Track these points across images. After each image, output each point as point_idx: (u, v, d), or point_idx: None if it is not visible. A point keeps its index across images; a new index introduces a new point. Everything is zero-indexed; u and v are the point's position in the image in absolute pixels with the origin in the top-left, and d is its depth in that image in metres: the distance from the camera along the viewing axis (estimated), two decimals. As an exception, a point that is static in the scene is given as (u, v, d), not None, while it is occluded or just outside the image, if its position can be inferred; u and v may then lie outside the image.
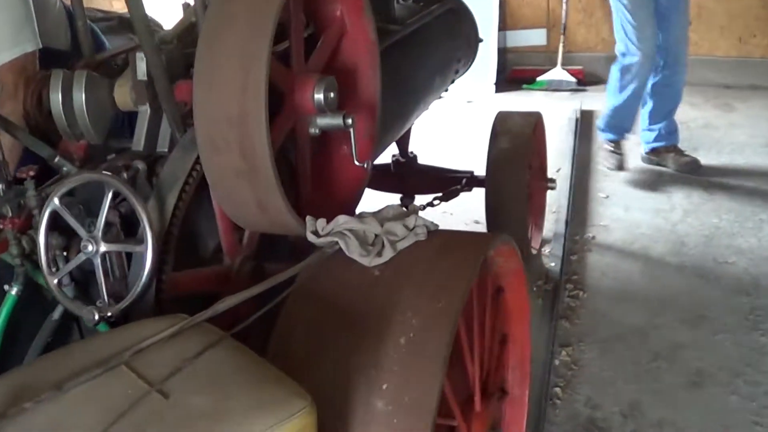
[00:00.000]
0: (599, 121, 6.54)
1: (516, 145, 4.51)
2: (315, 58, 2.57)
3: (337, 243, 2.31)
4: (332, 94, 2.42)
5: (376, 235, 2.35)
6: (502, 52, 8.67)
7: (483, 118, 7.40)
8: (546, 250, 5.00)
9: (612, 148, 6.43)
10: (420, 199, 4.97)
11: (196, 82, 2.20)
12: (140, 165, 2.47)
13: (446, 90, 4.92)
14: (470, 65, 5.21)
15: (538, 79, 8.46)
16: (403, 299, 2.15)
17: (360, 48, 2.76)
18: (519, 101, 8.05)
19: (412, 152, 5.07)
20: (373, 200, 5.18)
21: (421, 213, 4.48)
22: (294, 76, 2.42)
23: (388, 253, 2.28)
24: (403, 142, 4.97)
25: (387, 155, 4.85)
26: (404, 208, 2.52)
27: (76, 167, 2.49)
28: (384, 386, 2.03)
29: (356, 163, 2.58)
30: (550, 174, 5.74)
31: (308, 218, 2.38)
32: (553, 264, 4.80)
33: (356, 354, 2.09)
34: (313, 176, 2.72)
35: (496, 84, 8.42)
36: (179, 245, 2.40)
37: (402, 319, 2.11)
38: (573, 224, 5.33)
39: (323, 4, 2.69)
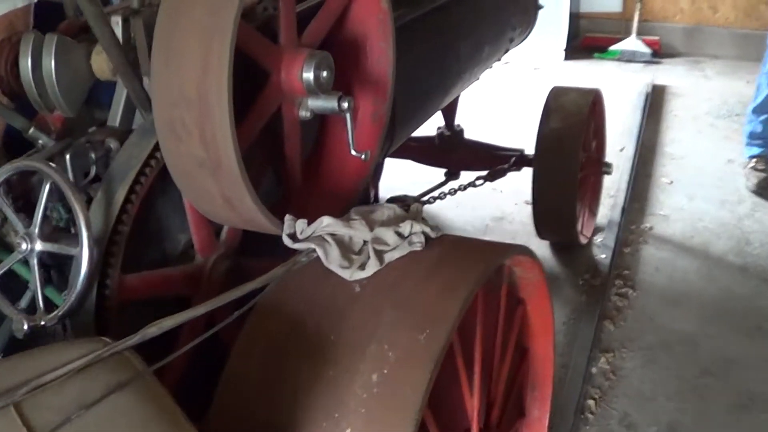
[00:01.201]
0: (745, 131, 5.60)
1: (569, 124, 4.13)
2: (311, 30, 2.22)
3: (314, 250, 1.97)
4: (325, 73, 2.08)
5: (365, 242, 2.01)
6: (575, 17, 8.19)
7: (549, 87, 7.05)
8: (598, 239, 4.61)
9: (755, 165, 5.39)
10: (465, 176, 4.62)
11: (153, 56, 1.88)
12: (113, 143, 2.16)
13: (498, 60, 4.52)
14: (528, 33, 4.81)
15: (611, 48, 7.99)
16: (382, 326, 1.82)
17: (370, 18, 2.41)
18: (588, 71, 7.61)
19: (458, 125, 4.70)
20: (416, 173, 5.03)
21: (462, 192, 4.26)
22: (280, 51, 2.08)
23: (372, 266, 1.94)
24: (449, 114, 4.61)
25: (432, 126, 4.49)
26: (405, 209, 2.18)
27: (53, 140, 2.20)
28: (347, 431, 1.71)
29: (353, 152, 2.22)
30: (612, 154, 5.37)
31: (287, 218, 2.06)
32: (603, 256, 4.41)
33: (319, 386, 1.77)
34: (307, 165, 2.38)
35: (566, 51, 7.98)
36: (138, 242, 2.10)
37: (377, 351, 1.78)
38: (630, 212, 4.93)
39: (329, -34, 2.33)
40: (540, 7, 4.85)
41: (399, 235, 2.01)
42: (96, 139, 2.19)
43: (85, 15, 2.03)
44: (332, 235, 2.01)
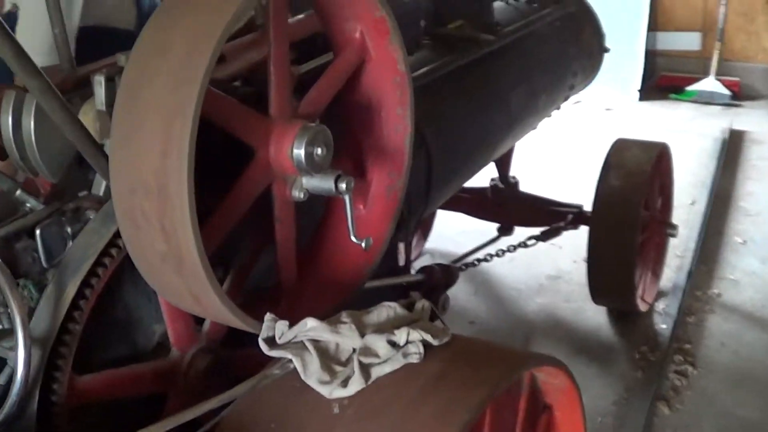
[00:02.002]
0: None
1: (629, 183, 3.81)
2: (311, 98, 1.95)
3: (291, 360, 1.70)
4: (320, 150, 1.81)
5: (354, 350, 1.73)
6: (651, 55, 7.82)
7: (622, 129, 6.70)
8: (660, 305, 4.26)
9: None
10: (520, 232, 4.32)
11: (112, 132, 1.64)
12: (92, 215, 1.92)
13: (558, 108, 4.22)
14: (592, 79, 4.51)
15: (688, 88, 7.61)
16: (359, 461, 1.53)
17: (386, 81, 2.13)
18: (663, 113, 7.24)
19: (513, 177, 4.41)
20: (469, 226, 4.76)
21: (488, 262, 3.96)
22: (269, 124, 1.81)
23: (356, 383, 1.65)
24: (503, 166, 4.33)
25: (485, 177, 4.22)
26: (410, 307, 1.90)
27: (41, 203, 2.00)
28: None
29: (353, 239, 1.94)
30: (681, 207, 5.01)
31: (267, 318, 1.79)
32: (664, 326, 4.06)
33: None
34: (308, 250, 2.12)
35: (640, 91, 7.60)
36: (100, 337, 1.86)
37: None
38: (697, 275, 4.56)
39: (337, 21, 2.06)
40: (606, 50, 4.54)
41: (392, 344, 1.72)
42: (84, 206, 1.96)
43: (30, 90, 1.78)
44: (315, 341, 1.73)
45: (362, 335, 1.74)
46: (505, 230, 4.47)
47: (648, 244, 4.10)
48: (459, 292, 4.44)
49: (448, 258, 4.60)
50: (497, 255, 4.11)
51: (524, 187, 4.49)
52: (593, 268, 3.88)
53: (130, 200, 1.62)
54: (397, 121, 2.16)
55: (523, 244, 4.14)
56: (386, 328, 1.77)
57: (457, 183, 3.30)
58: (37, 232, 1.92)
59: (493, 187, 4.40)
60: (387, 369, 1.68)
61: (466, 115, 3.21)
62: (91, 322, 1.81)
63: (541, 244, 4.25)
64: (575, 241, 4.46)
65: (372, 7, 1.99)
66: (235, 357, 2.09)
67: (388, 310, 1.84)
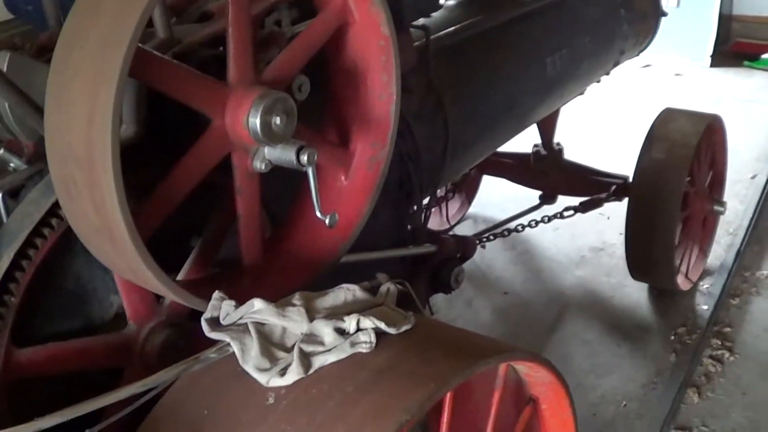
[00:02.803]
0: None
1: (672, 156, 3.62)
2: (278, 64, 1.82)
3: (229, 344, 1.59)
4: (279, 119, 1.68)
5: (303, 335, 1.62)
6: (726, 19, 7.46)
7: (690, 96, 6.46)
8: (705, 284, 4.06)
9: None
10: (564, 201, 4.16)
11: (47, 98, 1.53)
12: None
13: (607, 74, 4.03)
14: (647, 44, 4.30)
15: (764, 56, 7.25)
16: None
17: (370, 45, 2.00)
18: (735, 81, 6.93)
19: (558, 143, 4.23)
20: (516, 192, 4.61)
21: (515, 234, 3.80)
22: (226, 92, 1.69)
23: (294, 373, 1.53)
24: (546, 131, 4.15)
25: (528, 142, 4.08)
26: (374, 291, 1.78)
27: (24, 164, 1.90)
28: None
29: (318, 214, 1.82)
30: (741, 182, 4.79)
31: (215, 296, 1.69)
32: (705, 307, 3.86)
33: None
34: (281, 227, 2.01)
35: (712, 56, 7.28)
36: (46, 309, 1.78)
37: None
38: (747, 255, 4.33)
39: (317, -19, 1.93)
40: (664, 14, 4.31)
41: (341, 332, 1.60)
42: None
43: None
44: (261, 324, 1.62)
45: (312, 320, 1.62)
46: (547, 198, 4.32)
47: (693, 220, 3.90)
48: (497, 261, 4.32)
49: (492, 223, 4.48)
50: (529, 226, 3.97)
51: (585, 153, 4.34)
52: (631, 244, 3.71)
53: (62, 170, 1.53)
54: (381, 89, 2.03)
55: (560, 215, 3.98)
56: (341, 312, 1.66)
57: (480, 151, 3.14)
58: (0, 195, 1.85)
59: (536, 154, 4.24)
60: (331, 358, 1.56)
61: (494, 79, 3.06)
62: (33, 293, 1.73)
63: (589, 212, 4.09)
64: (624, 211, 4.28)
65: (351, -33, 1.86)
66: (198, 331, 1.99)
67: (346, 293, 1.73)
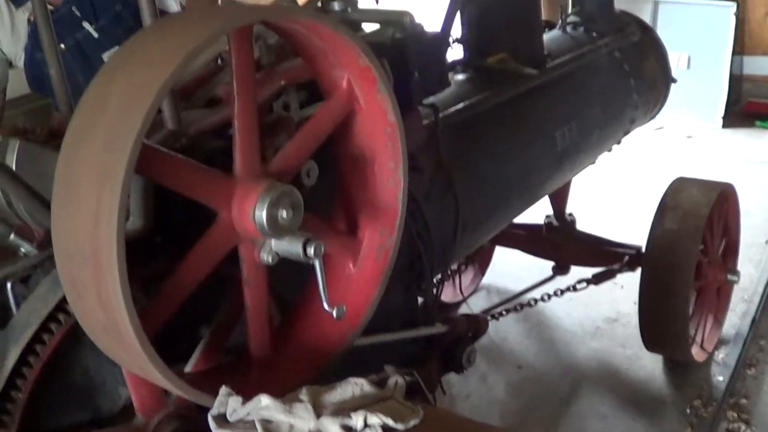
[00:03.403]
0: None
1: (685, 227, 3.59)
2: (286, 154, 1.82)
3: (234, 444, 1.57)
4: (286, 212, 1.68)
5: (309, 433, 1.59)
6: (736, 79, 7.47)
7: (703, 159, 6.45)
8: (720, 354, 4.01)
9: None
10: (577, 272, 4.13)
11: (54, 193, 1.53)
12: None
13: (618, 143, 4.02)
14: (657, 112, 4.31)
15: (775, 116, 7.22)
16: None
17: (377, 131, 2.00)
18: (747, 142, 6.91)
19: (570, 214, 4.22)
20: (529, 261, 4.60)
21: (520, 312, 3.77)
22: (232, 184, 1.69)
23: (299, 477, 1.51)
24: (558, 202, 4.14)
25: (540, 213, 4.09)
26: (381, 384, 1.75)
27: (35, 248, 1.90)
28: None
29: (325, 306, 1.80)
30: (754, 247, 4.77)
31: (222, 392, 1.67)
32: (720, 378, 3.81)
33: None
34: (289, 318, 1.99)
35: (724, 117, 7.27)
36: (52, 403, 1.77)
37: None
38: (762, 323, 4.28)
39: (324, 68, 1.92)
40: (673, 80, 4.32)
41: (347, 429, 1.57)
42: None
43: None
44: (267, 422, 1.59)
45: (319, 416, 1.60)
46: (560, 269, 4.30)
47: (707, 290, 3.87)
48: (510, 333, 4.29)
49: (505, 294, 4.46)
50: (542, 300, 3.95)
51: (598, 220, 4.31)
52: (645, 316, 3.68)
53: (69, 267, 1.52)
54: (389, 175, 2.03)
55: (573, 288, 3.95)
56: (348, 408, 1.63)
57: (492, 227, 3.13)
58: (8, 285, 1.85)
59: (548, 225, 4.23)
60: (335, 460, 1.54)
61: (503, 155, 3.05)
62: (41, 387, 1.72)
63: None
64: (637, 280, 4.25)
65: (355, 56, 1.85)
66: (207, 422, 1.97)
67: (353, 387, 1.71)
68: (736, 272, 3.99)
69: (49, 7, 3.43)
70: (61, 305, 1.70)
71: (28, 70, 3.66)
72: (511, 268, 4.76)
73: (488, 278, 4.79)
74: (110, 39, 3.52)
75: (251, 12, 1.68)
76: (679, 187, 3.78)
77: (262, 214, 1.65)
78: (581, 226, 4.32)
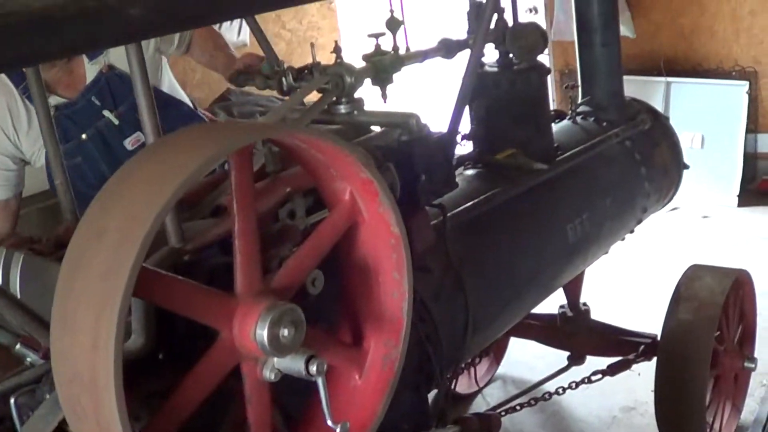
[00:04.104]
0: None
1: (699, 317, 3.57)
2: (288, 270, 1.81)
3: None
4: (287, 331, 1.67)
5: None
6: (751, 158, 7.43)
7: (719, 239, 6.42)
8: (739, 443, 3.94)
9: None
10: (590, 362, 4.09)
11: (53, 317, 1.53)
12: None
13: (631, 232, 4.01)
14: (670, 199, 4.29)
15: (791, 193, 7.19)
16: None
17: (380, 243, 2.00)
18: (763, 221, 6.85)
19: (584, 303, 4.20)
20: (544, 350, 4.56)
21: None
22: (233, 304, 1.69)
23: None
24: (572, 292, 4.11)
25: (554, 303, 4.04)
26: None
27: (41, 358, 1.93)
28: None
29: (329, 423, 1.78)
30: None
31: None
32: (738, 469, 3.74)
33: None
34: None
35: (739, 196, 7.22)
36: None
37: None
38: (781, 408, 4.19)
39: (326, 181, 1.94)
40: (686, 166, 4.31)
41: None
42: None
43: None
44: None
45: None
46: (575, 359, 4.26)
47: (724, 378, 3.83)
48: (526, 425, 4.24)
49: (521, 384, 4.42)
50: (557, 393, 3.91)
51: (614, 307, 4.26)
52: (661, 406, 3.64)
53: (69, 390, 1.52)
54: (393, 286, 2.02)
55: (588, 380, 3.91)
56: None
57: (503, 325, 3.12)
58: (12, 400, 1.85)
59: (562, 315, 4.20)
60: None
61: (513, 252, 3.05)
62: None
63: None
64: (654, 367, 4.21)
65: (356, 169, 1.86)
66: None
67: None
68: (753, 359, 3.95)
69: (65, 100, 3.50)
70: (62, 427, 1.69)
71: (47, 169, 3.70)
72: (526, 357, 4.73)
73: (503, 367, 4.75)
74: (131, 125, 3.54)
75: (249, 132, 1.69)
76: (693, 275, 3.75)
77: (263, 334, 1.64)
78: (596, 313, 4.28)
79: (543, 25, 7.14)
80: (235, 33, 5.88)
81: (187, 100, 3.91)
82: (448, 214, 2.71)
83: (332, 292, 2.00)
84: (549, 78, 3.52)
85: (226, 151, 1.62)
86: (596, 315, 4.28)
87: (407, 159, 2.42)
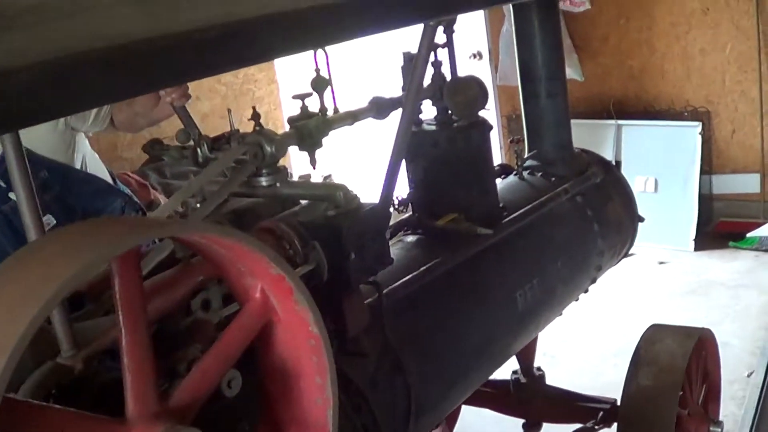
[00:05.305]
0: None
1: (661, 383, 3.35)
2: (188, 385, 1.57)
3: None
4: (188, 460, 1.43)
5: None
6: (707, 199, 7.31)
7: (676, 286, 6.26)
8: (707, 504, 3.72)
9: None
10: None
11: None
12: None
13: (585, 292, 3.80)
14: (625, 253, 4.08)
15: (749, 235, 7.05)
16: None
17: (299, 345, 1.76)
18: (720, 265, 6.72)
19: (538, 368, 3.99)
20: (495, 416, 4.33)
21: None
22: (126, 431, 1.44)
23: None
24: (525, 358, 3.90)
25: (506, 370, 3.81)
26: None
27: None
28: None
29: None
30: (737, 381, 4.56)
31: None
32: None
33: None
34: None
35: (695, 240, 7.08)
36: None
37: None
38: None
39: (234, 276, 1.70)
40: (641, 219, 4.12)
41: None
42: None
43: None
44: None
45: None
46: (531, 426, 4.03)
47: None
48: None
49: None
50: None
51: (569, 369, 4.02)
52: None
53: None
54: (316, 392, 1.78)
55: (545, 451, 3.70)
56: None
57: (450, 406, 2.89)
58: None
59: (515, 382, 3.98)
60: None
61: (458, 326, 2.82)
62: None
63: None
64: (616, 429, 4.01)
65: (265, 265, 1.63)
66: None
67: None
68: (719, 423, 3.73)
69: None
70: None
71: None
72: (480, 422, 4.47)
73: (459, 435, 4.51)
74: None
75: (134, 232, 1.45)
76: (653, 337, 3.55)
77: (161, 466, 1.41)
78: (551, 375, 4.08)
79: (488, 70, 7.11)
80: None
81: (106, 174, 3.68)
82: (384, 291, 2.48)
83: (252, 392, 1.77)
84: (495, 124, 3.31)
85: (106, 258, 1.38)
86: (551, 376, 4.07)
87: (335, 236, 2.20)
